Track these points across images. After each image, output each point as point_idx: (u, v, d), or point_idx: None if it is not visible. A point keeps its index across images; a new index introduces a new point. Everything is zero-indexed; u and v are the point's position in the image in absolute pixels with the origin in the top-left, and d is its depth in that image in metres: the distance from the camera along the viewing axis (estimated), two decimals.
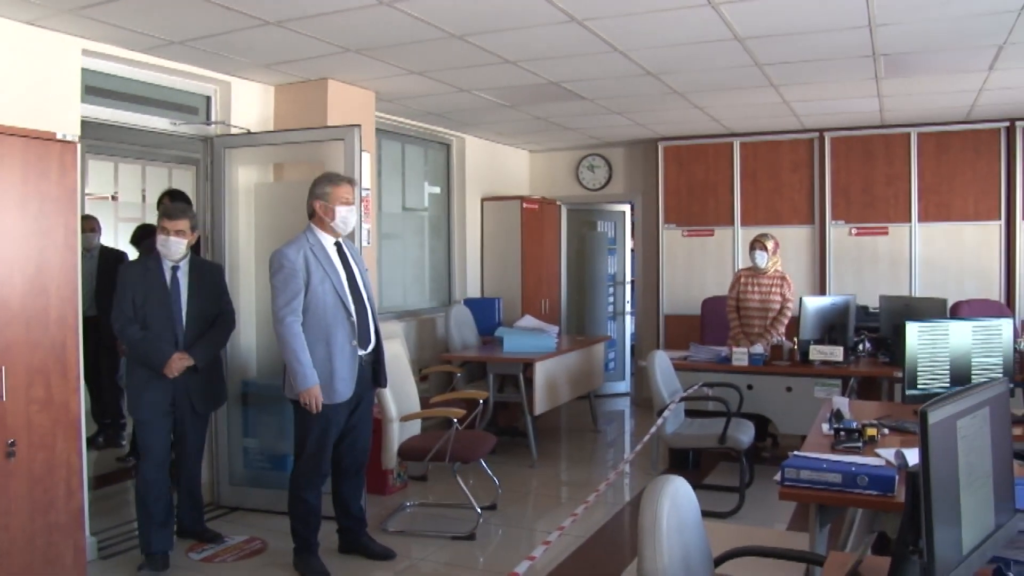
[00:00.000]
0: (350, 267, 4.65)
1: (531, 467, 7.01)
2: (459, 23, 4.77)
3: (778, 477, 3.11)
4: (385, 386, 4.95)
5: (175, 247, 4.67)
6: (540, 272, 9.49)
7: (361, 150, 5.58)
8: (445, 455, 5.28)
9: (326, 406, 4.47)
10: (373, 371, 4.76)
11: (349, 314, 4.52)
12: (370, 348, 4.67)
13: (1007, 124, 8.02)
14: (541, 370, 7.13)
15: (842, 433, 3.75)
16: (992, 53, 5.52)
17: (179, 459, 4.95)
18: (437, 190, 8.87)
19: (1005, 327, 4.49)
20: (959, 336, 4.37)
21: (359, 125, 5.56)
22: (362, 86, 6.38)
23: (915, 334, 4.27)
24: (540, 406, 7.19)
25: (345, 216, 4.60)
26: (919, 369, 4.25)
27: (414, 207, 8.48)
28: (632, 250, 10.56)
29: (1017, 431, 4.16)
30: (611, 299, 10.65)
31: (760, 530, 5.32)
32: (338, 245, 4.66)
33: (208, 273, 4.94)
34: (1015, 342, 5.70)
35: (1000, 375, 4.43)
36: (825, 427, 3.94)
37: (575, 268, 10.44)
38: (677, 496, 2.37)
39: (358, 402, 4.68)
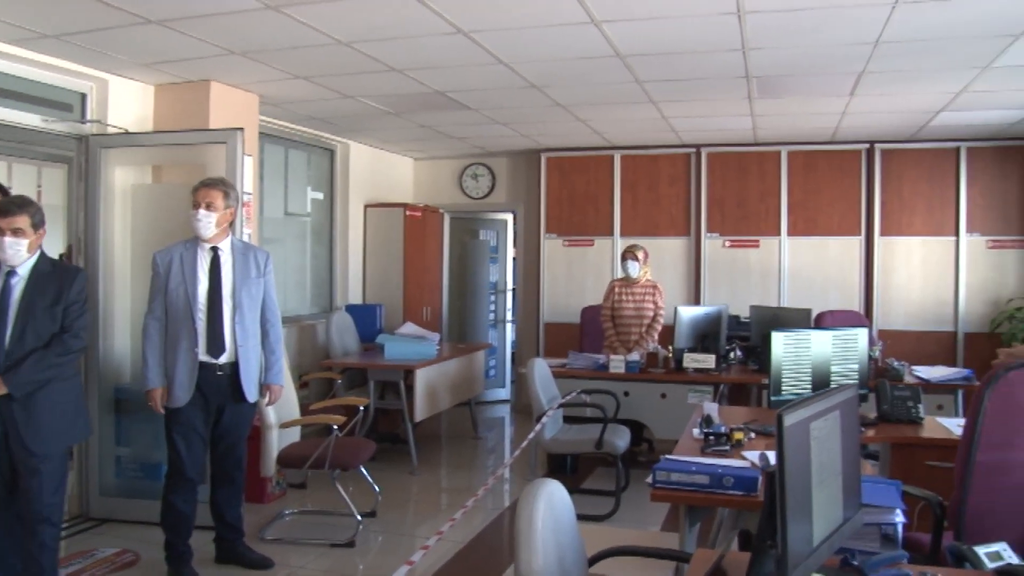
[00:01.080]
0: (218, 275, 4.56)
1: (411, 474, 7.03)
2: (347, 30, 4.79)
3: (650, 480, 3.24)
4: (246, 399, 4.66)
5: (11, 249, 3.93)
6: (422, 279, 9.53)
7: (243, 154, 5.53)
8: (324, 462, 5.27)
9: (173, 410, 4.52)
10: (233, 384, 4.61)
11: (194, 321, 4.48)
12: (223, 359, 4.56)
13: (867, 146, 8.52)
14: (422, 377, 7.17)
15: (711, 437, 3.92)
16: (853, 80, 5.87)
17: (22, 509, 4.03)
18: (320, 196, 8.81)
19: (861, 336, 4.77)
20: (820, 345, 4.61)
21: (242, 128, 5.51)
22: (246, 89, 6.32)
23: (780, 343, 4.48)
24: (421, 413, 7.22)
25: (198, 220, 4.51)
26: (783, 376, 4.47)
27: (296, 212, 8.41)
28: (514, 259, 10.69)
29: (870, 433, 4.45)
30: (492, 307, 10.76)
31: (634, 531, 5.49)
32: (215, 251, 4.58)
33: (55, 282, 4.04)
34: (870, 350, 6.06)
35: (855, 381, 4.71)
36: (696, 432, 4.10)
37: (457, 276, 10.51)
38: (552, 499, 2.45)
39: (220, 412, 4.63)
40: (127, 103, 6.01)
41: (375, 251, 9.26)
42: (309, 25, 4.65)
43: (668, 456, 3.57)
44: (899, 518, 2.59)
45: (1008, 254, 8.34)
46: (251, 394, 4.67)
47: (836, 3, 4.24)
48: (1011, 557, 2.44)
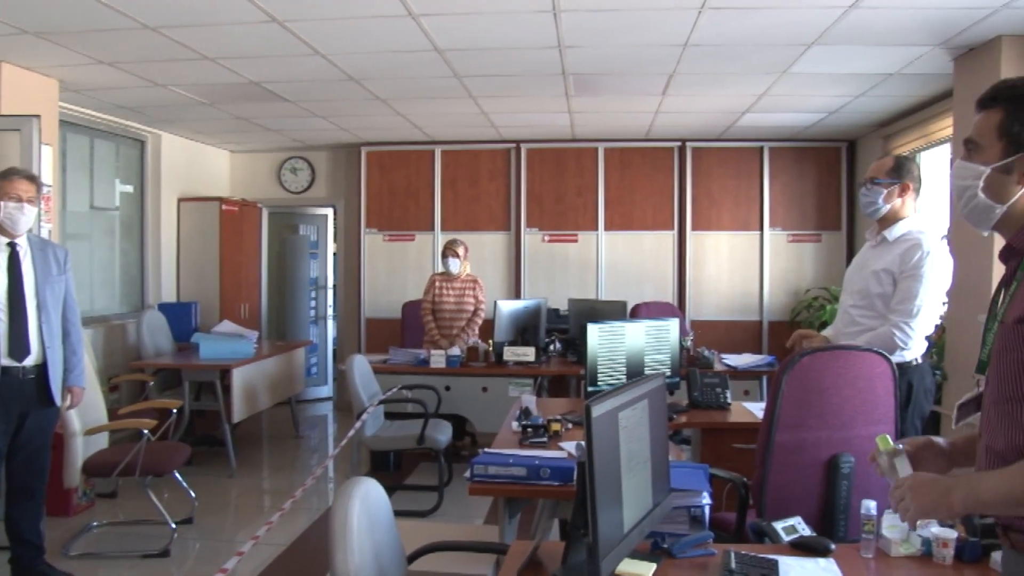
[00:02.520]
0: (18, 272, 4.27)
1: (230, 477, 6.80)
2: (153, 14, 4.58)
3: (467, 474, 3.25)
4: (53, 403, 4.43)
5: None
6: (240, 276, 9.24)
7: (41, 143, 5.20)
8: (135, 469, 5.01)
9: None
10: (40, 388, 4.35)
11: None
12: (29, 361, 4.28)
13: (679, 144, 8.87)
14: (239, 376, 6.95)
15: (529, 429, 3.98)
16: (665, 80, 6.10)
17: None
18: (130, 189, 8.39)
19: (672, 327, 4.96)
20: (634, 336, 4.76)
21: (38, 115, 5.19)
22: (43, 73, 5.92)
23: (595, 335, 4.60)
24: (239, 413, 7.00)
25: (12, 213, 4.20)
26: (599, 367, 4.59)
27: (104, 206, 7.97)
28: (335, 254, 10.53)
29: (682, 419, 4.64)
30: (313, 303, 10.57)
31: (457, 526, 5.50)
32: (13, 247, 4.27)
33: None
34: (681, 340, 6.31)
35: (668, 370, 4.90)
36: (514, 425, 4.16)
37: (276, 272, 10.25)
38: (368, 497, 2.42)
39: (22, 419, 4.32)
40: None
41: (189, 247, 8.90)
42: (111, 7, 4.41)
43: (487, 450, 3.60)
44: (705, 500, 2.70)
45: (806, 247, 8.90)
46: (59, 397, 4.43)
47: (647, 6, 4.40)
48: (804, 530, 2.59)
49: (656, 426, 2.42)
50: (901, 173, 3.87)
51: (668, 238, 8.97)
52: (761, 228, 8.92)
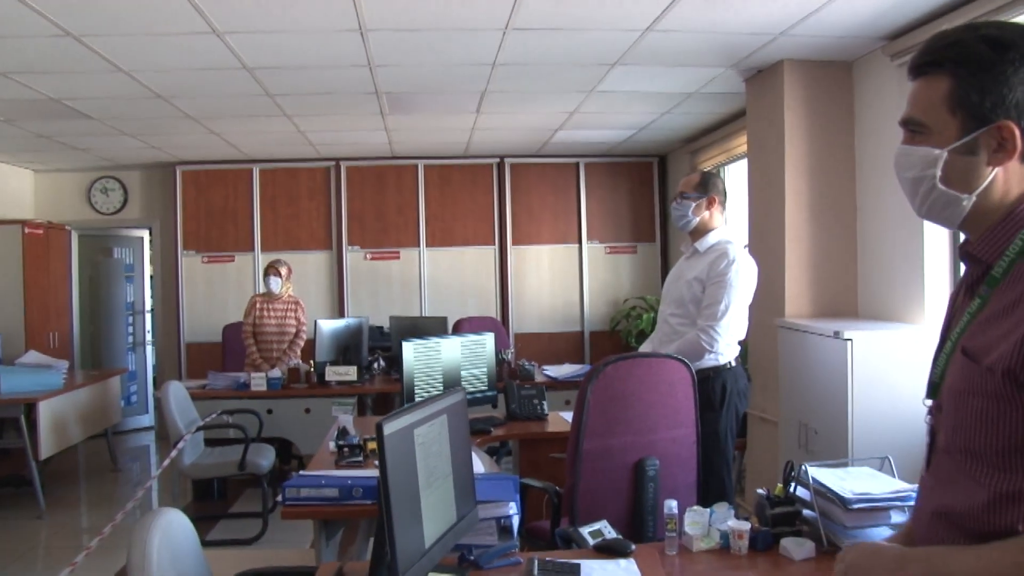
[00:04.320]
0: None
1: (39, 518, 6.40)
2: None
3: (279, 498, 3.21)
4: None
5: None
6: (47, 302, 8.75)
7: None
8: None
9: None
10: None
11: None
12: None
13: (498, 160, 9.03)
14: (46, 410, 6.57)
15: (345, 449, 3.96)
16: (477, 98, 6.21)
17: None
18: None
19: (488, 341, 5.06)
20: (450, 351, 4.83)
21: None
22: None
23: (411, 351, 4.63)
24: (47, 449, 6.61)
25: None
26: (416, 382, 4.62)
27: None
28: (152, 277, 10.14)
29: (500, 431, 4.73)
30: (130, 328, 10.12)
31: (279, 551, 5.40)
32: None
33: None
34: (502, 353, 6.42)
35: (485, 383, 4.99)
36: (331, 445, 4.13)
37: (89, 297, 9.76)
38: (170, 528, 2.36)
39: None
40: None
41: None
42: None
43: (302, 472, 3.57)
44: (512, 510, 2.76)
45: (622, 259, 9.22)
46: None
47: (453, 26, 4.46)
48: (610, 533, 2.70)
49: (458, 440, 2.46)
50: (707, 187, 4.16)
51: (489, 253, 9.11)
52: (580, 241, 9.18)
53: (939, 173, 1.43)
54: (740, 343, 4.15)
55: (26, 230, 8.36)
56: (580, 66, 5.36)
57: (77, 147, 8.00)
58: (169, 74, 5.36)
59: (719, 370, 4.00)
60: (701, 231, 4.17)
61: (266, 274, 7.18)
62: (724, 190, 4.25)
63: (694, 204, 4.13)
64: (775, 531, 2.54)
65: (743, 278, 4.02)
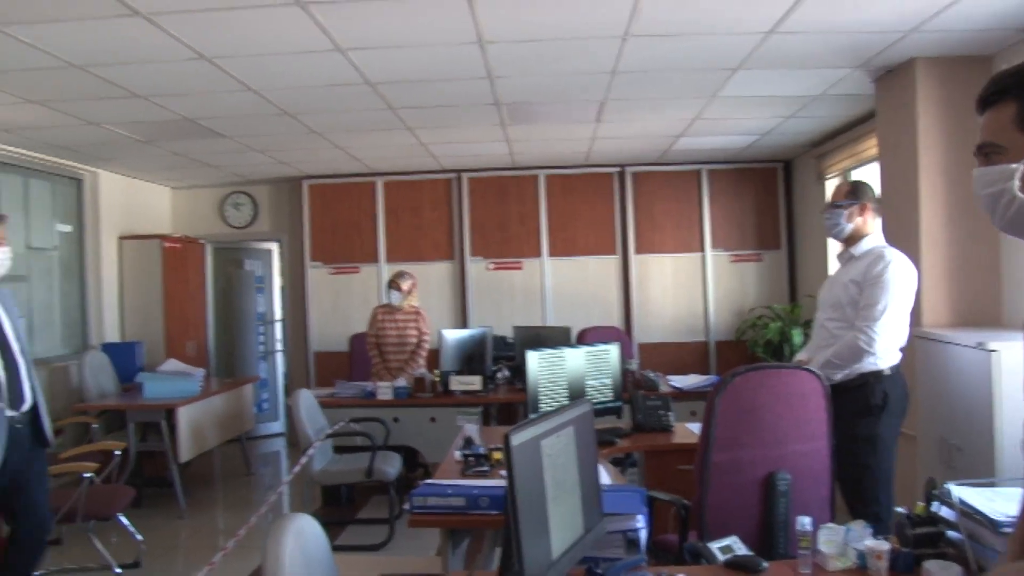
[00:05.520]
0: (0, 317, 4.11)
1: (180, 518, 6.70)
2: (77, 53, 4.53)
3: (407, 506, 3.25)
4: (48, 446, 4.30)
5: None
6: (185, 313, 9.14)
7: None
8: (76, 514, 4.93)
9: None
10: (33, 432, 4.17)
11: None
12: (25, 408, 4.10)
13: (619, 169, 8.97)
14: (184, 415, 6.87)
15: (471, 459, 3.98)
16: (597, 107, 6.19)
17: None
18: (69, 228, 8.28)
19: (613, 351, 5.01)
20: (574, 361, 4.80)
21: None
22: None
23: (536, 361, 4.63)
24: (186, 453, 6.92)
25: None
26: (540, 393, 4.62)
27: (42, 246, 7.85)
28: (281, 288, 10.46)
29: (625, 443, 4.67)
30: (262, 338, 10.47)
31: (405, 559, 5.47)
32: None
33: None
34: (626, 363, 6.35)
35: (610, 394, 4.94)
36: (457, 454, 4.16)
37: (223, 308, 10.14)
38: (302, 533, 2.40)
39: (16, 471, 4.06)
40: None
41: (132, 285, 8.79)
42: (35, 46, 4.35)
43: (429, 481, 3.59)
44: (640, 523, 2.72)
45: (748, 267, 9.02)
46: (51, 435, 4.29)
47: (571, 35, 4.46)
48: (740, 549, 2.62)
49: (584, 452, 2.43)
50: (858, 194, 4.11)
51: (612, 262, 9.05)
52: (703, 249, 9.03)
53: (1017, 184, 1.56)
54: (901, 350, 4.00)
55: (165, 244, 8.76)
56: (701, 71, 5.28)
57: (210, 164, 8.34)
58: (295, 91, 5.53)
59: (879, 375, 3.89)
60: (855, 238, 4.12)
61: (389, 286, 7.31)
62: (875, 196, 4.19)
63: (846, 212, 4.09)
64: (917, 552, 2.42)
65: (901, 280, 3.92)
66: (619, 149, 8.13)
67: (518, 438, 2.01)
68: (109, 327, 8.59)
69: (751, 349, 8.50)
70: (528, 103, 6.03)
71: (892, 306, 3.87)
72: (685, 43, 4.65)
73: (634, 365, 6.69)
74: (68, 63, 4.71)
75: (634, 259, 9.03)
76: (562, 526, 2.21)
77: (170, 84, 5.23)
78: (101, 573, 5.22)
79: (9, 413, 4.00)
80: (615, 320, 8.94)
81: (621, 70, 5.13)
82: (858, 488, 3.84)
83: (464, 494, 3.22)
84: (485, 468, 3.91)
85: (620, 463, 5.96)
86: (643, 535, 2.70)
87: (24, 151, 7.24)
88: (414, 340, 7.26)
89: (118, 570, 5.12)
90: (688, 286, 9.07)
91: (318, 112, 6.16)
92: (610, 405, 5.00)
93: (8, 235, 4.16)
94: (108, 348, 8.11)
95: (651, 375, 6.50)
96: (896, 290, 3.89)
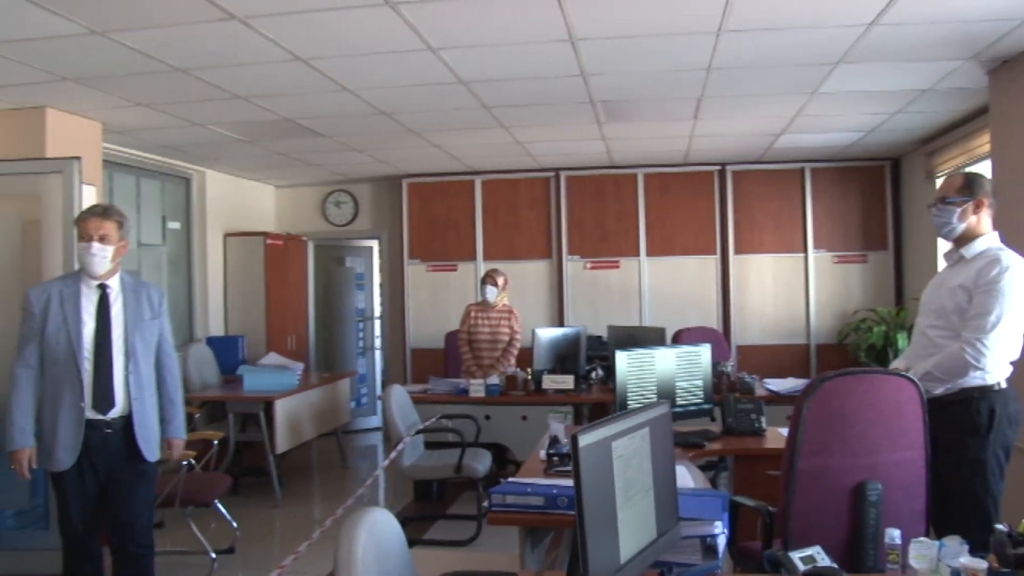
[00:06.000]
0: (107, 317, 3.95)
1: (275, 507, 6.88)
2: (180, 56, 4.69)
3: (486, 503, 3.25)
4: (143, 462, 4.01)
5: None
6: (286, 308, 9.37)
7: (82, 183, 5.32)
8: (175, 499, 5.10)
9: (58, 474, 3.89)
10: (127, 443, 3.96)
11: (80, 371, 3.86)
12: (115, 413, 3.92)
13: (718, 167, 8.82)
14: (282, 408, 7.04)
15: (555, 458, 3.96)
16: (694, 104, 6.08)
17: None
18: (177, 225, 8.58)
19: (703, 352, 4.93)
20: (664, 362, 4.74)
21: (79, 157, 5.30)
22: (86, 116, 6.09)
23: (625, 361, 4.59)
24: (282, 444, 7.08)
25: (81, 255, 3.94)
26: (629, 393, 4.57)
27: (151, 243, 8.16)
28: (380, 285, 10.63)
29: (715, 446, 4.58)
30: (361, 334, 10.65)
31: (490, 555, 5.48)
32: (103, 289, 3.99)
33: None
34: (721, 365, 6.24)
35: (701, 396, 4.86)
36: (542, 453, 4.14)
37: (323, 304, 10.37)
38: (376, 527, 2.42)
39: (112, 479, 3.95)
40: None
41: (236, 281, 9.07)
42: (138, 50, 4.52)
43: (512, 479, 3.59)
44: (718, 529, 2.65)
45: (852, 268, 8.76)
46: (150, 453, 4.02)
47: (664, 31, 4.39)
48: (824, 560, 2.53)
49: (660, 454, 2.39)
50: (973, 189, 3.72)
51: (711, 262, 8.90)
52: (805, 250, 8.81)
53: None
54: (1012, 363, 3.63)
55: (267, 241, 9.00)
56: (800, 67, 5.13)
57: (312, 163, 8.52)
58: (390, 91, 5.60)
59: (986, 391, 3.55)
60: (967, 238, 3.72)
61: (483, 283, 7.34)
62: (992, 191, 3.78)
63: (959, 209, 3.70)
64: (1017, 573, 2.28)
65: (1019, 288, 3.53)
66: (718, 147, 7.99)
67: (587, 439, 1.99)
68: (214, 321, 8.88)
69: (853, 353, 8.25)
70: (623, 101, 5.97)
71: (1007, 317, 3.50)
72: (782, 37, 4.53)
73: (729, 367, 6.57)
74: (172, 67, 4.88)
75: (734, 259, 8.87)
76: (632, 529, 2.18)
77: (269, 85, 5.37)
78: (197, 557, 5.38)
79: (93, 415, 3.88)
80: (713, 321, 8.80)
81: (716, 66, 5.03)
82: (961, 516, 3.48)
83: (543, 493, 3.21)
84: (568, 468, 3.87)
85: (713, 467, 5.86)
86: (721, 541, 2.64)
87: (136, 152, 7.54)
88: (506, 338, 7.28)
89: (213, 555, 5.27)
90: (789, 287, 8.86)
91: (413, 111, 6.23)
92: (700, 407, 4.92)
93: (120, 233, 4.03)
94: (212, 341, 8.37)
95: (747, 378, 6.37)
96: (1012, 299, 3.51)
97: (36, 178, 5.35)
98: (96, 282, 3.96)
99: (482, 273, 8.70)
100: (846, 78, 5.36)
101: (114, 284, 4.02)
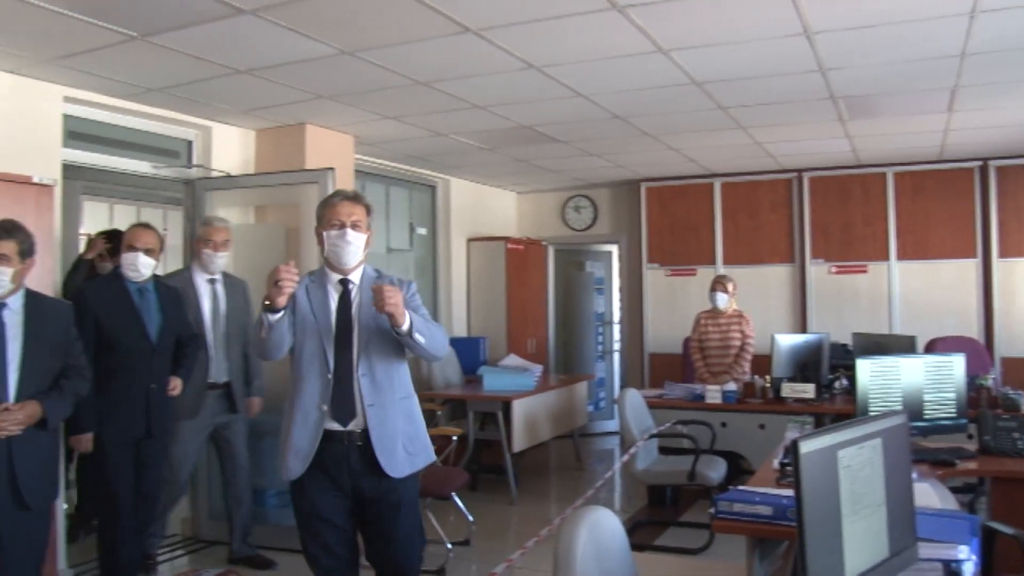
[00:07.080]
0: (347, 316, 3.40)
1: (511, 504, 7.05)
2: (420, 70, 4.93)
3: (712, 510, 3.18)
4: (386, 477, 3.37)
5: None
6: (526, 312, 9.59)
7: None
8: None
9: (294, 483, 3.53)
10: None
11: (329, 371, 3.39)
12: (355, 425, 3.37)
13: (980, 163, 8.15)
14: (519, 408, 7.21)
15: (788, 468, 3.80)
16: (947, 95, 5.66)
17: None
18: (424, 231, 9.00)
19: (957, 363, 4.55)
20: (911, 372, 4.43)
21: (332, 168, 5.70)
22: (340, 130, 6.53)
23: (867, 371, 4.34)
24: (519, 443, 7.24)
25: (335, 243, 3.41)
26: (871, 404, 4.32)
27: (399, 248, 8.60)
28: (619, 289, 10.64)
29: (969, 465, 4.24)
30: (600, 338, 10.72)
31: (715, 563, 5.32)
32: (346, 284, 3.45)
33: (54, 317, 3.78)
34: (980, 378, 5.78)
35: (953, 410, 4.51)
36: (775, 463, 4.00)
37: (563, 308, 10.53)
38: (597, 526, 2.43)
39: (358, 498, 3.42)
40: (230, 148, 6.33)
41: (478, 284, 9.41)
42: (385, 67, 4.80)
43: (742, 487, 3.49)
44: (964, 555, 2.45)
45: None
46: (395, 469, 3.39)
47: (908, 17, 4.11)
48: None
49: (895, 467, 2.24)
50: None
51: (970, 266, 8.24)
52: None
53: None
54: None
55: (508, 245, 9.25)
56: None
57: (550, 169, 8.68)
58: (624, 95, 5.60)
59: None
60: None
61: (713, 289, 7.20)
62: None
63: None
64: None
65: None
66: (979, 141, 7.37)
67: (809, 445, 1.90)
68: (457, 322, 9.24)
69: None
70: (866, 95, 5.65)
71: None
72: None
73: (990, 381, 6.07)
74: (415, 81, 5.14)
75: (997, 263, 8.15)
76: (860, 545, 2.06)
77: (505, 94, 5.52)
78: (434, 547, 5.58)
79: (329, 425, 3.33)
80: (973, 331, 8.13)
81: (971, 52, 4.64)
82: None
83: (772, 503, 3.10)
84: None
85: (972, 490, 5.42)
86: (968, 569, 2.44)
87: (384, 162, 7.98)
88: (737, 343, 7.10)
89: (449, 546, 5.48)
90: None
91: (649, 114, 6.20)
92: (952, 423, 4.56)
93: (368, 221, 3.54)
94: (455, 342, 8.66)
95: (1011, 393, 5.86)
96: None
97: (296, 188, 5.80)
98: (338, 277, 3.46)
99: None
100: None
101: (355, 278, 3.50)
